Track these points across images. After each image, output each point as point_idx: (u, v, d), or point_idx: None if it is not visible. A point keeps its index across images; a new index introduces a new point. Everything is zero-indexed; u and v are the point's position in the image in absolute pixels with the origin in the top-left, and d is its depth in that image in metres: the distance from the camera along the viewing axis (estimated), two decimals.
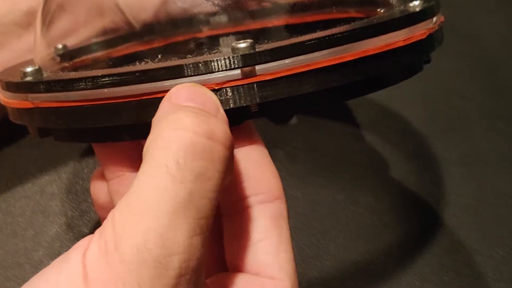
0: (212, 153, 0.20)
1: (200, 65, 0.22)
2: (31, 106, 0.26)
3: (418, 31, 0.26)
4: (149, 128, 0.22)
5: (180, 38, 0.39)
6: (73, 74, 0.25)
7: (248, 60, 0.22)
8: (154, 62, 0.24)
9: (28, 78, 0.26)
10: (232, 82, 0.22)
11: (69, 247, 0.37)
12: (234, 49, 0.23)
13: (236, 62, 0.22)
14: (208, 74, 0.22)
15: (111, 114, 0.23)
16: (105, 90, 0.23)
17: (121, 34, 0.39)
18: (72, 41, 0.36)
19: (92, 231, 0.38)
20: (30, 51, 0.41)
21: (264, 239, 0.24)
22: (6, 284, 0.36)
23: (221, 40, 0.38)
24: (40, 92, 0.25)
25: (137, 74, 0.22)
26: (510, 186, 0.41)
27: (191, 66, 0.22)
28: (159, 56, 0.25)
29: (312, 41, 0.23)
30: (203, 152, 0.20)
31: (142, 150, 0.27)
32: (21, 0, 0.41)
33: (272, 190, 0.24)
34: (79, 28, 0.36)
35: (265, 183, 0.24)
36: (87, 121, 0.24)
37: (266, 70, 0.23)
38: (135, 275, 0.19)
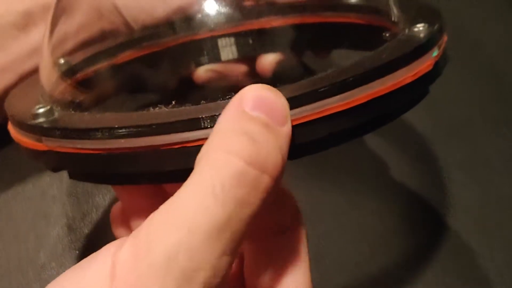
0: (259, 182, 0.20)
1: (217, 117, 0.22)
2: (45, 148, 0.25)
3: (425, 63, 0.26)
4: (167, 176, 0.23)
5: (180, 41, 0.39)
6: (89, 121, 0.25)
7: None
8: (168, 108, 0.24)
9: (41, 119, 0.26)
10: None
11: (72, 250, 0.37)
12: None
13: None
14: None
15: (128, 162, 0.23)
16: (122, 140, 0.23)
17: (121, 41, 0.39)
18: (73, 46, 0.36)
19: (93, 233, 0.38)
20: (27, 54, 0.41)
21: (284, 261, 0.24)
22: None
23: (224, 41, 0.39)
24: (54, 137, 0.25)
25: (153, 126, 0.22)
26: None
27: (207, 119, 0.22)
28: (173, 102, 0.24)
29: (324, 89, 0.23)
30: (250, 181, 0.20)
31: (161, 189, 0.27)
32: (17, 1, 0.41)
33: (293, 218, 0.25)
34: (80, 32, 0.36)
35: (287, 212, 0.25)
36: (104, 167, 0.24)
37: None
38: (160, 282, 0.19)
